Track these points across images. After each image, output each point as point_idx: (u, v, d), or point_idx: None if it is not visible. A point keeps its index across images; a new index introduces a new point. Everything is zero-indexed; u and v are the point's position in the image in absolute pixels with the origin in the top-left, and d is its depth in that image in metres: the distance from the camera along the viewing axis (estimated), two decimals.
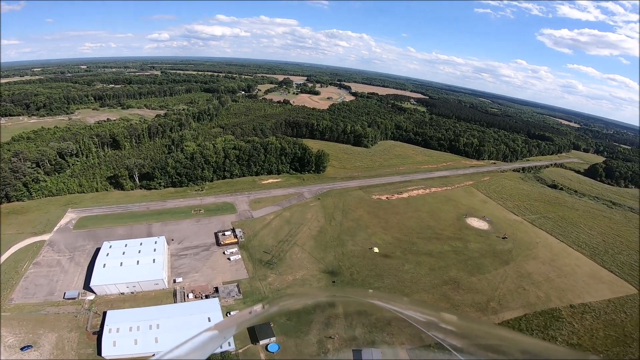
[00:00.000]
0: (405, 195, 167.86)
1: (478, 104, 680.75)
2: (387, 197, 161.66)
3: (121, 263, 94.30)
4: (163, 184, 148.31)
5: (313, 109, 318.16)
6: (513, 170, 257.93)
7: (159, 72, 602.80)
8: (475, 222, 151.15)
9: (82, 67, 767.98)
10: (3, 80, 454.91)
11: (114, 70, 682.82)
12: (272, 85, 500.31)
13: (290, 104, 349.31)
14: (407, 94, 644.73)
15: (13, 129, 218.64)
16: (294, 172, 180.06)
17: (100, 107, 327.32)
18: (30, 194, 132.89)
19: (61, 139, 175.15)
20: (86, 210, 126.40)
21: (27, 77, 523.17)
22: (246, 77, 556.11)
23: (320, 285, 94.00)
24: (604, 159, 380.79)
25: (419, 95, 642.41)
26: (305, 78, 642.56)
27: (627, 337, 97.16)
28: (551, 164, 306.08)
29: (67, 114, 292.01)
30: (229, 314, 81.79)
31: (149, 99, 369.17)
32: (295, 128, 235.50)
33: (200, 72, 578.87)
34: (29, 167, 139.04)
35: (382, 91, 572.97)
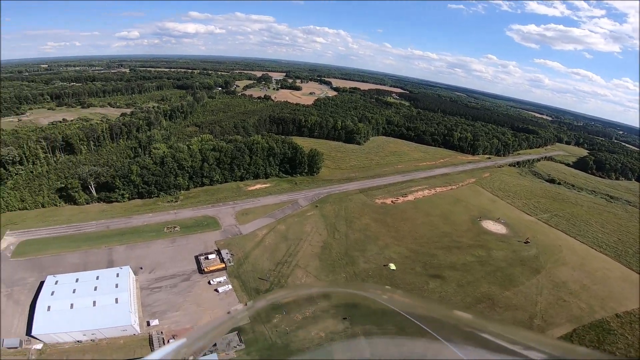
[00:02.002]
0: (411, 197, 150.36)
1: (456, 98, 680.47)
2: (392, 201, 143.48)
3: (72, 304, 70.34)
4: (127, 195, 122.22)
5: (297, 104, 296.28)
6: (509, 165, 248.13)
7: (127, 70, 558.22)
8: (491, 225, 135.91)
9: (43, 66, 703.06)
10: None
11: (77, 68, 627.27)
12: (251, 82, 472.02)
13: (272, 99, 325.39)
14: (388, 88, 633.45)
15: None
16: (284, 175, 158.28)
17: (57, 106, 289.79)
18: None
19: (1, 143, 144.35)
20: (28, 232, 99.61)
21: None
22: (223, 73, 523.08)
23: (339, 329, 73.98)
24: (587, 151, 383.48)
25: (399, 90, 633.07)
26: (284, 74, 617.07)
27: None
28: (542, 157, 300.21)
29: (17, 114, 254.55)
30: None
31: (114, 97, 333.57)
32: (281, 125, 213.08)
33: (173, 70, 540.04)
34: None
35: (363, 86, 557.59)
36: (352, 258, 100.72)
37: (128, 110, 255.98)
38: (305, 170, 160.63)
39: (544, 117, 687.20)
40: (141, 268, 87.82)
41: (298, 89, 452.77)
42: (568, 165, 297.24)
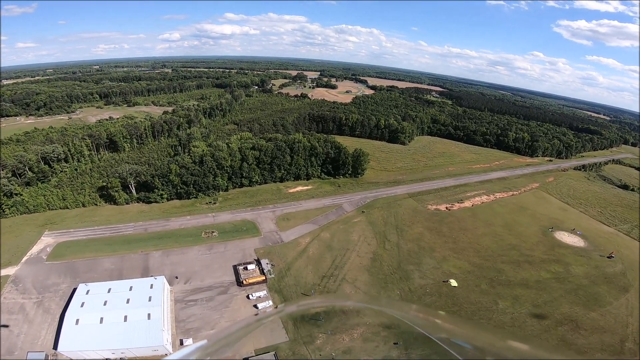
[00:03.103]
0: (467, 203, 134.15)
1: (501, 97, 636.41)
2: (446, 208, 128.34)
3: (101, 319, 64.29)
4: (165, 195, 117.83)
5: (334, 102, 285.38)
6: (574, 169, 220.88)
7: (169, 70, 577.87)
8: (566, 238, 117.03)
9: (95, 67, 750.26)
10: (12, 81, 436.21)
11: (125, 69, 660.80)
12: (286, 80, 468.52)
13: (309, 97, 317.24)
14: (426, 87, 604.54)
15: (5, 130, 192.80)
16: (326, 176, 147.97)
17: (105, 105, 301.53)
18: (3, 212, 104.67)
19: (47, 140, 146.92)
20: (67, 232, 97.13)
21: (38, 78, 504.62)
22: (259, 72, 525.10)
23: (392, 356, 62.42)
24: None
25: (438, 88, 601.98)
26: (319, 73, 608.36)
27: None
28: (609, 160, 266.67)
29: (68, 113, 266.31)
30: None
31: (157, 96, 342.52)
32: (321, 123, 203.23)
33: (211, 69, 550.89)
34: (4, 177, 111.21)
35: (400, 85, 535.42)
36: (406, 272, 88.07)
37: (170, 109, 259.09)
38: (349, 172, 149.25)
39: (602, 116, 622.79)
40: (176, 277, 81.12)
41: (334, 87, 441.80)
42: (638, 169, 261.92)
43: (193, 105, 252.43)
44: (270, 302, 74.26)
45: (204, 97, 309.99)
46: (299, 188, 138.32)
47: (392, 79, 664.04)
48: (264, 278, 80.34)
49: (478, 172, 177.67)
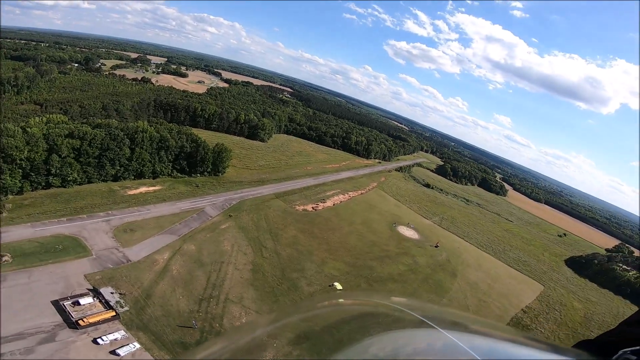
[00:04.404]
0: (329, 203, 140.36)
1: (339, 103, 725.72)
2: (312, 208, 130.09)
3: None
4: None
5: (184, 91, 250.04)
6: (395, 170, 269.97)
7: None
8: (405, 231, 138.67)
9: None
10: None
11: None
12: (122, 62, 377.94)
13: (152, 83, 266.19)
14: (278, 86, 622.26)
15: None
16: (180, 174, 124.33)
17: None
18: None
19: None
20: None
21: None
22: (83, 50, 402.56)
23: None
24: (440, 158, 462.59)
25: (289, 90, 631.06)
26: (166, 59, 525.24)
27: (578, 332, 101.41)
28: (414, 164, 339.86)
29: None
30: None
31: None
32: (170, 112, 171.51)
33: (8, 39, 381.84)
34: None
35: (254, 81, 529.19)
36: (292, 281, 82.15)
37: None
38: (209, 170, 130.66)
39: (403, 126, 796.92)
40: None
41: (184, 75, 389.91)
42: (432, 171, 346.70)
43: None
44: (136, 345, 53.77)
45: None
46: (144, 189, 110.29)
47: (247, 75, 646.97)
48: (113, 313, 57.18)
49: (331, 172, 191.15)
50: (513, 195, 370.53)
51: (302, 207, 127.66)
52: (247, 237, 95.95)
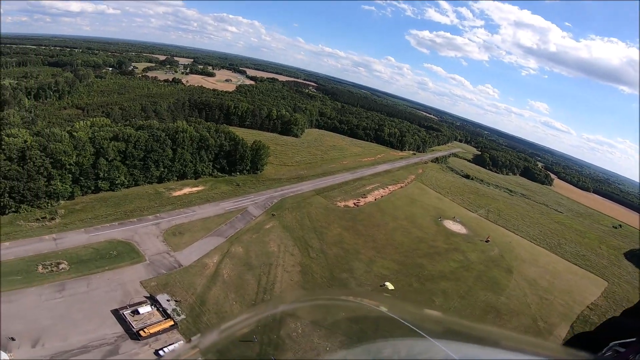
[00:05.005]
0: (370, 198, 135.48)
1: (365, 95, 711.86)
2: (354, 204, 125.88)
3: None
4: None
5: (214, 90, 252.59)
6: (431, 161, 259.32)
7: None
8: (452, 226, 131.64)
9: None
10: None
11: None
12: (152, 64, 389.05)
13: (183, 83, 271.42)
14: (303, 82, 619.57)
15: None
16: (220, 173, 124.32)
17: None
18: None
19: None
20: None
21: None
22: (115, 54, 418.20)
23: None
24: (476, 148, 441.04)
25: (313, 84, 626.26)
26: (192, 60, 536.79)
27: None
28: (449, 154, 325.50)
29: None
30: None
31: None
32: (205, 111, 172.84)
33: (43, 47, 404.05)
34: None
35: (279, 78, 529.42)
36: (342, 281, 78.87)
37: None
38: (248, 168, 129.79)
39: (432, 116, 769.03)
40: (12, 339, 48.68)
41: (211, 74, 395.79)
42: (469, 161, 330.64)
43: (10, 84, 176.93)
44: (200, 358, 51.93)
45: (28, 76, 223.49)
46: (187, 190, 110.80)
47: (271, 72, 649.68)
48: (172, 322, 56.32)
49: (368, 165, 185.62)
50: (559, 185, 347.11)
51: (343, 203, 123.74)
52: (293, 237, 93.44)
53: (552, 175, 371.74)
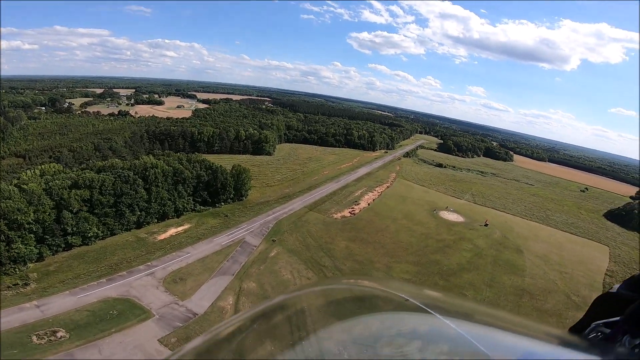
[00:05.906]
0: (364, 204, 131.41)
1: (320, 103, 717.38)
2: (350, 212, 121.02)
3: None
4: None
5: (169, 118, 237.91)
6: (403, 157, 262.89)
7: None
8: (448, 215, 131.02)
9: None
10: None
11: None
12: (89, 99, 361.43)
13: (132, 115, 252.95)
14: (257, 98, 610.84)
15: None
16: (203, 207, 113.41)
17: None
18: None
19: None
20: None
21: None
22: (44, 91, 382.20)
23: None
24: (436, 137, 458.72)
25: (268, 99, 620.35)
26: (134, 90, 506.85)
27: None
28: (416, 147, 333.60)
29: None
30: None
31: None
32: (167, 141, 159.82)
33: None
34: None
35: (233, 97, 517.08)
36: None
37: None
38: (232, 196, 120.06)
39: (388, 114, 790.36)
40: None
41: (160, 103, 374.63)
42: (435, 150, 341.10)
43: None
44: None
45: None
46: (173, 231, 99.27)
47: (222, 93, 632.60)
48: None
49: (348, 171, 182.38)
50: (518, 159, 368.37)
51: (339, 214, 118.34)
52: (302, 260, 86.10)
53: (510, 152, 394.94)
